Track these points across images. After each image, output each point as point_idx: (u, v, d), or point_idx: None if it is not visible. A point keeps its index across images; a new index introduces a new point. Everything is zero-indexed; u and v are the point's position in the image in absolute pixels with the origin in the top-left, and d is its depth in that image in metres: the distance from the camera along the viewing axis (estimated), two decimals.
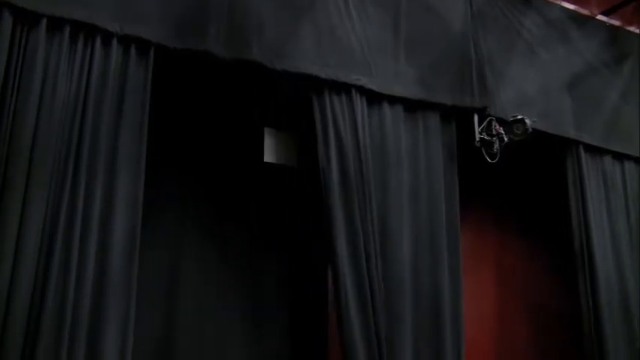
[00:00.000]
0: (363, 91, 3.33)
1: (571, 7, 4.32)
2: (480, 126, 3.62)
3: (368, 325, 2.98)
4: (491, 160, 3.59)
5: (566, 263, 4.05)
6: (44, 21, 2.66)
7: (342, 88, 3.26)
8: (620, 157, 4.23)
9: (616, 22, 4.50)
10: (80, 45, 2.76)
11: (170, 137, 3.43)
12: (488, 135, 3.61)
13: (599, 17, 4.43)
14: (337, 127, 3.18)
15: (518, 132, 3.59)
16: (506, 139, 3.59)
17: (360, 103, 3.30)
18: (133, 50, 2.86)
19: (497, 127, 3.61)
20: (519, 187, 4.40)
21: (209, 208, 3.54)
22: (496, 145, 3.58)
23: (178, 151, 3.48)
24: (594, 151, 4.12)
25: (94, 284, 2.59)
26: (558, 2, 4.27)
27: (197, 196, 3.52)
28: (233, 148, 3.68)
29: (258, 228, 3.67)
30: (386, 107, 3.41)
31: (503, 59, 3.85)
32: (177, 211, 3.46)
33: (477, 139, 3.59)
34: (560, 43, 4.13)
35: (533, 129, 3.62)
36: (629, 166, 4.25)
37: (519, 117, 3.61)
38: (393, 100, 3.43)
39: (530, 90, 3.90)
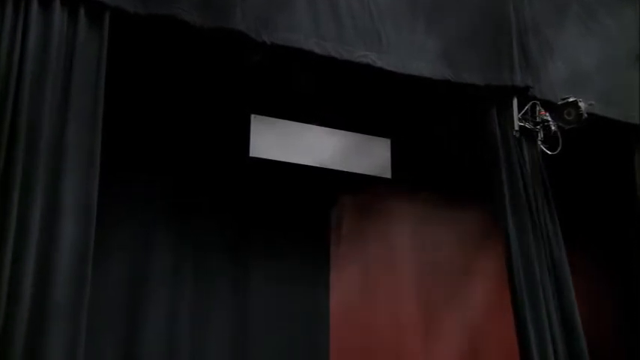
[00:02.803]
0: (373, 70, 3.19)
1: None
2: (520, 111, 3.43)
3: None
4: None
5: (627, 284, 3.95)
6: None
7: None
8: None
9: None
10: (9, 8, 2.57)
11: (133, 124, 3.34)
12: (531, 122, 3.43)
13: None
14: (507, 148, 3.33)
15: (570, 118, 3.42)
16: (554, 127, 3.42)
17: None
18: (81, 14, 2.69)
19: (543, 112, 3.44)
20: (570, 186, 4.18)
21: (182, 208, 3.49)
22: (541, 136, 3.42)
23: (142, 141, 3.41)
24: None
25: (33, 309, 2.43)
26: None
27: (166, 196, 3.47)
28: (213, 138, 3.61)
29: (244, 231, 3.60)
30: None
31: (551, 25, 3.68)
32: (143, 213, 3.40)
33: (516, 127, 3.40)
34: (626, 4, 3.96)
35: (589, 114, 3.43)
36: None
37: (571, 99, 3.43)
38: (409, 80, 3.29)
39: (586, 65, 3.73)
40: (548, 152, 3.39)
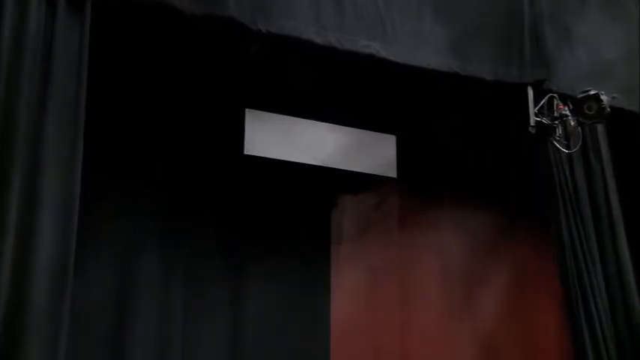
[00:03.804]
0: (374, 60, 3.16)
1: None
2: (536, 105, 3.36)
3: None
4: None
5: None
6: None
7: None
8: None
9: None
10: None
11: (119, 119, 3.31)
12: (547, 117, 3.35)
13: None
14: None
15: (591, 113, 3.34)
16: (573, 122, 3.34)
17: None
18: (60, 1, 2.66)
19: (561, 106, 3.36)
20: None
21: (173, 208, 3.44)
22: (559, 132, 3.34)
23: (129, 137, 3.36)
24: None
25: (9, 311, 2.37)
26: None
27: (156, 195, 3.42)
28: (204, 134, 3.54)
29: (240, 232, 3.57)
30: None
31: (570, 13, 3.62)
32: (130, 213, 3.36)
33: (532, 123, 3.32)
34: None
35: (612, 108, 3.34)
36: None
37: (592, 92, 3.34)
38: (414, 72, 3.24)
39: (608, 54, 3.65)
40: (565, 151, 3.34)
